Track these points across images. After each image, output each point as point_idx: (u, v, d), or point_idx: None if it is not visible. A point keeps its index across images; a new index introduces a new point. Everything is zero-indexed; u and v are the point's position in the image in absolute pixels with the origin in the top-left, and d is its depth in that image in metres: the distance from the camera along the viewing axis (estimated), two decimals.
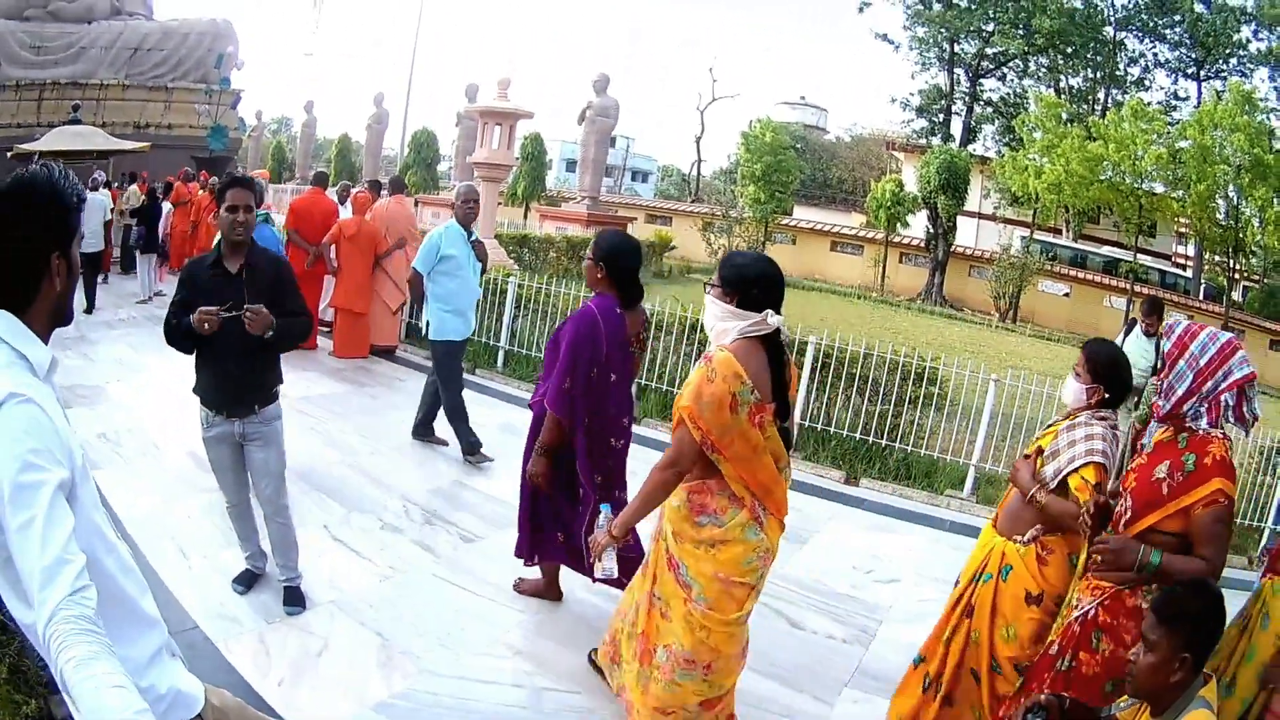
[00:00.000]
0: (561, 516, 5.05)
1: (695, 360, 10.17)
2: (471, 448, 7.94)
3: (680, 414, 3.58)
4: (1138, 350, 7.73)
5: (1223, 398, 3.28)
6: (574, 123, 27.94)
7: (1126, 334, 8.33)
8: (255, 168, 38.63)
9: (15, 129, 29.31)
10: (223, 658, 4.42)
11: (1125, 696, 2.88)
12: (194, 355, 4.68)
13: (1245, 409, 3.32)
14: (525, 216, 35.89)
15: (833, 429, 9.65)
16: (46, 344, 2.06)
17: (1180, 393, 3.32)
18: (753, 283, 3.59)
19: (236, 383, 4.66)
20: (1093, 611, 3.37)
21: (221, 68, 36.42)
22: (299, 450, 6.99)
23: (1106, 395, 3.91)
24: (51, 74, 32.10)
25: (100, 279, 14.65)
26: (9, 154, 21.37)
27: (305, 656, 4.56)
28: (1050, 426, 4.26)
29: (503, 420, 9.37)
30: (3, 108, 30.71)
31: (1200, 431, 3.27)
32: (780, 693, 4.77)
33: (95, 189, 15.17)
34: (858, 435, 9.53)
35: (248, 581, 5.16)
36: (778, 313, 3.60)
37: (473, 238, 7.98)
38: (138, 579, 2.14)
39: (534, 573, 5.47)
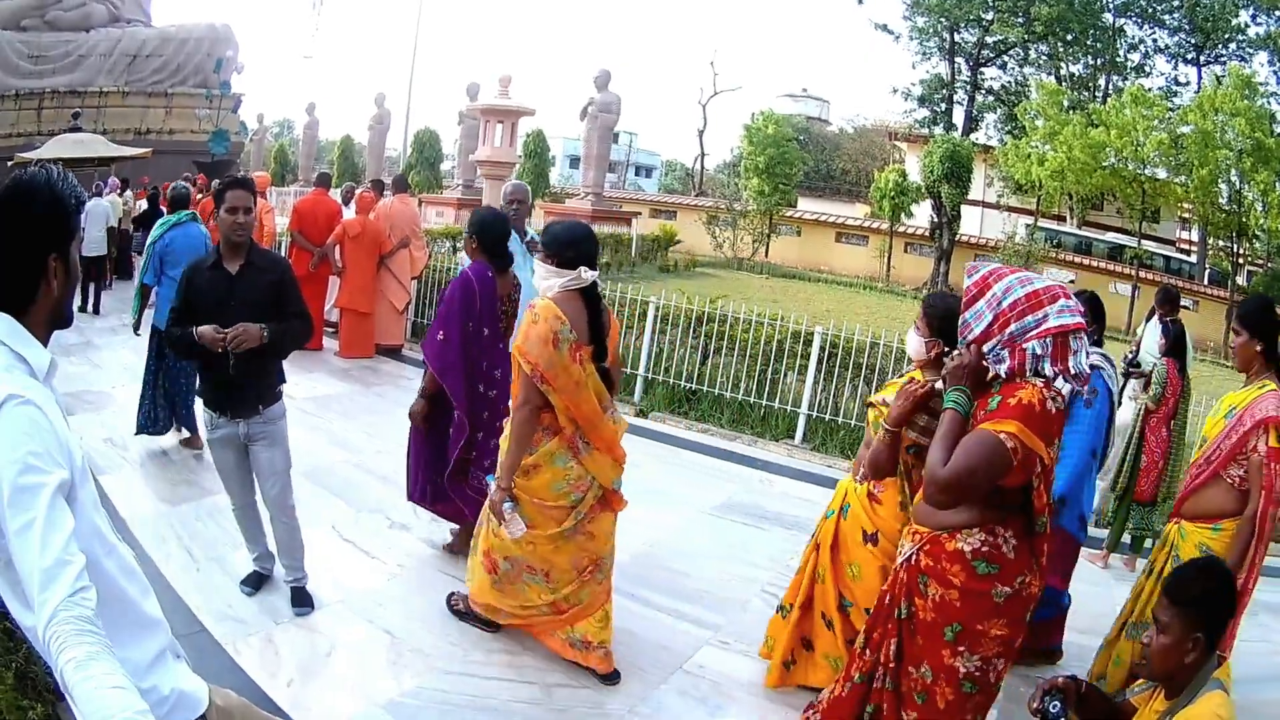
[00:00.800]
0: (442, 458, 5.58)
1: (700, 353, 10.19)
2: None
3: (515, 356, 4.19)
4: (1154, 338, 7.70)
5: (1029, 344, 3.12)
6: (576, 119, 27.96)
7: (1146, 321, 8.30)
8: (258, 171, 38.68)
9: (16, 138, 29.41)
10: (231, 659, 4.40)
11: (1141, 680, 2.85)
12: (200, 362, 4.72)
13: (1070, 362, 3.13)
14: (530, 213, 35.78)
15: (840, 419, 9.62)
16: (46, 346, 2.05)
17: (976, 332, 3.22)
18: (567, 246, 4.25)
19: (239, 384, 4.63)
20: (914, 556, 3.38)
21: (221, 72, 36.49)
22: (306, 450, 6.99)
23: (945, 349, 3.85)
24: (50, 83, 32.17)
25: (105, 284, 14.70)
26: (10, 163, 21.41)
27: (314, 656, 4.55)
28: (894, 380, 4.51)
29: None
30: (2, 117, 30.79)
31: (1017, 380, 3.15)
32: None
33: (100, 194, 15.22)
34: (865, 425, 9.44)
35: (255, 583, 5.14)
36: (591, 269, 4.24)
37: (528, 237, 7.39)
38: (140, 580, 2.13)
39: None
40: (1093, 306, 5.26)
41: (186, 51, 35.95)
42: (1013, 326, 3.14)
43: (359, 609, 5.06)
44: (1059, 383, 3.12)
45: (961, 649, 3.25)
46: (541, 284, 4.31)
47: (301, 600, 5.00)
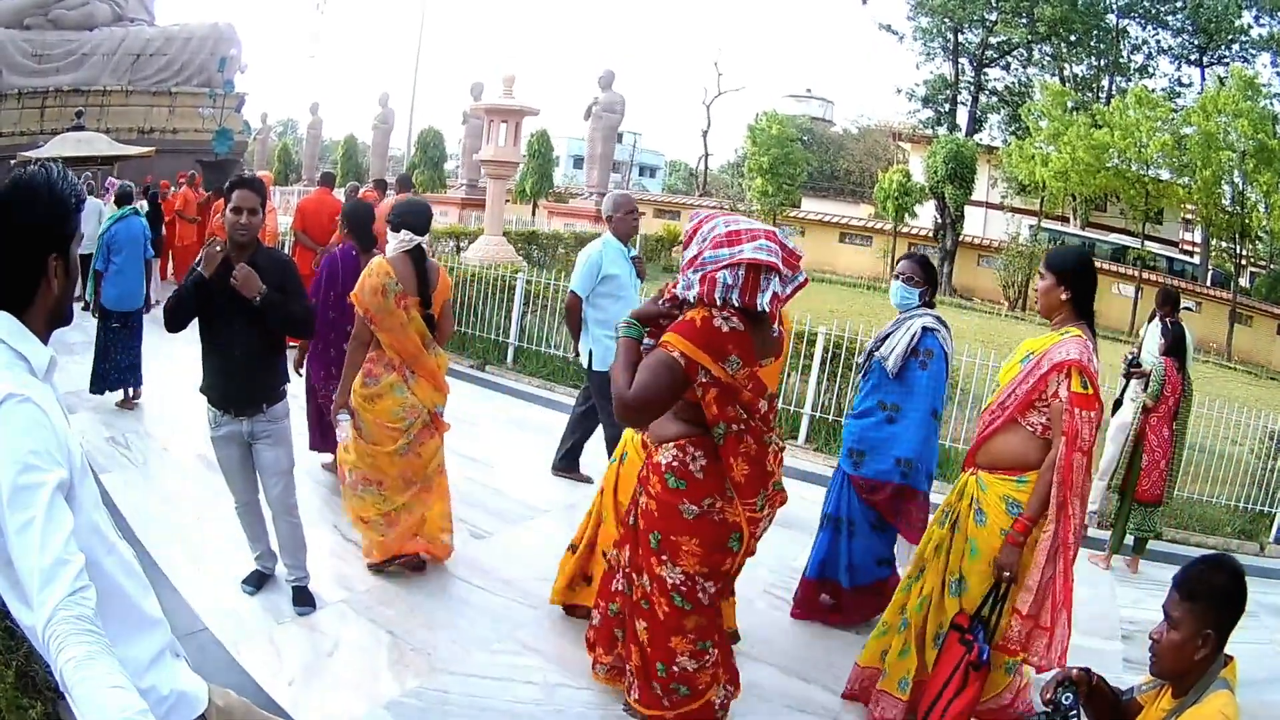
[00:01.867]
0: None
1: None
2: (570, 465, 7.82)
3: (352, 301, 5.31)
4: (1155, 339, 7.68)
5: (719, 274, 3.28)
6: (581, 119, 27.97)
7: (1149, 323, 8.28)
8: (262, 170, 38.68)
9: (18, 137, 29.38)
10: (233, 659, 4.40)
11: (1148, 677, 2.83)
12: (202, 355, 4.70)
13: (758, 297, 3.31)
14: (533, 213, 35.91)
15: (844, 419, 9.56)
16: (46, 344, 2.05)
17: (683, 264, 3.47)
18: (400, 219, 5.32)
19: (243, 379, 4.65)
20: (642, 470, 3.81)
21: (225, 71, 36.42)
22: (309, 449, 7.00)
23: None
24: (53, 81, 32.14)
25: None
26: (12, 162, 21.40)
27: (316, 656, 4.55)
28: None
29: (513, 416, 9.39)
30: (5, 116, 30.74)
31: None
32: (795, 685, 4.73)
33: (99, 193, 15.23)
34: None
35: (257, 582, 5.14)
36: (420, 235, 5.34)
37: (633, 253, 7.18)
38: (139, 579, 2.14)
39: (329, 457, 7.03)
40: (923, 267, 5.41)
41: (190, 50, 35.94)
42: (705, 255, 3.35)
43: (361, 608, 5.06)
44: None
45: (665, 558, 3.60)
46: (388, 248, 5.39)
47: (303, 599, 4.99)
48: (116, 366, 8.49)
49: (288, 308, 4.58)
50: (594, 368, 7.01)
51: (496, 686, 4.40)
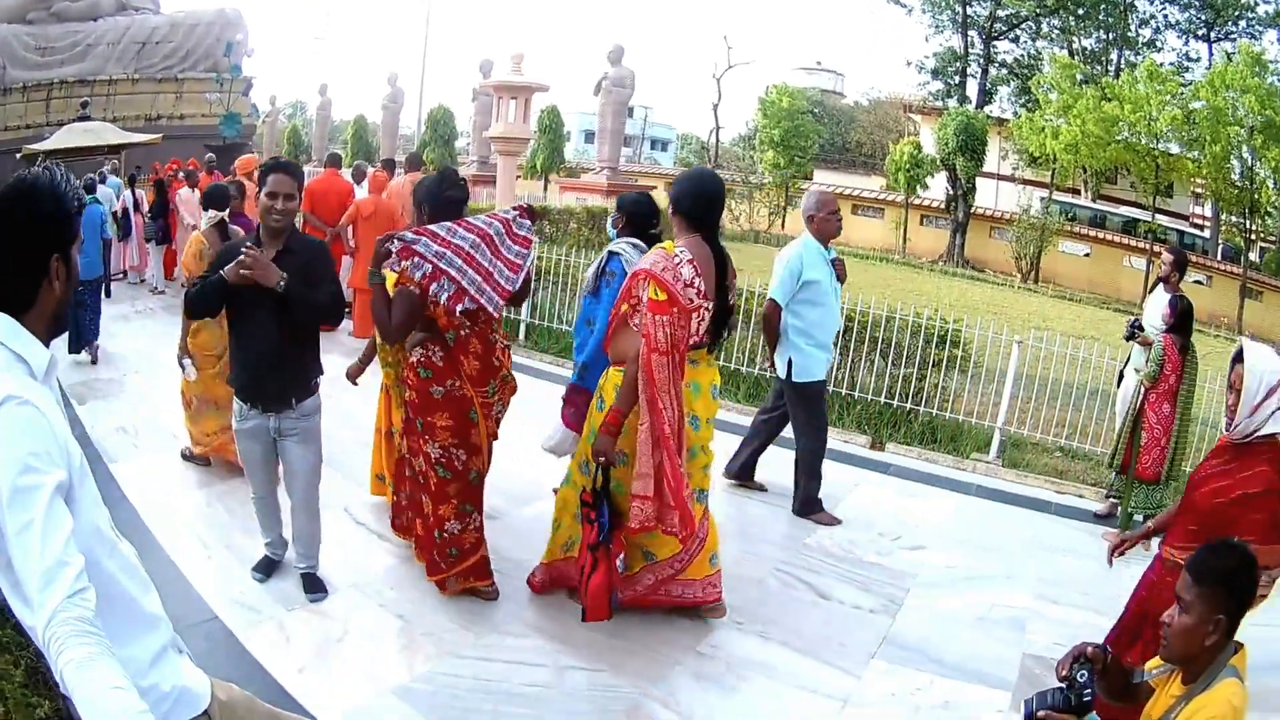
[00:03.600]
0: None
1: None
2: (813, 506, 6.89)
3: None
4: (1158, 308, 7.54)
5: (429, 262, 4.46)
6: (591, 94, 27.90)
7: (1153, 288, 8.17)
8: (271, 153, 38.65)
9: (24, 130, 29.41)
10: (242, 647, 4.40)
11: (1158, 661, 2.80)
12: (230, 346, 4.72)
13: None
14: (545, 189, 35.84)
15: (857, 394, 9.54)
16: (47, 346, 2.04)
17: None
18: (208, 200, 6.84)
19: (271, 373, 4.56)
20: (403, 372, 5.06)
21: (231, 56, 36.38)
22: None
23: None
24: (58, 73, 32.12)
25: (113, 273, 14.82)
26: (18, 155, 21.41)
27: (326, 642, 4.54)
28: None
29: (525, 394, 9.27)
30: (10, 110, 30.75)
31: None
32: (806, 665, 4.71)
33: (103, 181, 15.26)
34: (882, 399, 9.42)
35: (266, 569, 5.11)
36: (220, 211, 6.76)
37: (832, 255, 6.81)
38: (140, 577, 2.12)
39: None
40: (625, 209, 5.80)
41: (196, 36, 35.90)
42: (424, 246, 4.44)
43: (371, 593, 5.05)
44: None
45: (427, 437, 4.74)
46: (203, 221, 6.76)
47: (314, 586, 4.98)
48: (87, 327, 9.79)
49: (312, 296, 4.45)
50: (794, 378, 6.63)
51: (507, 669, 4.39)
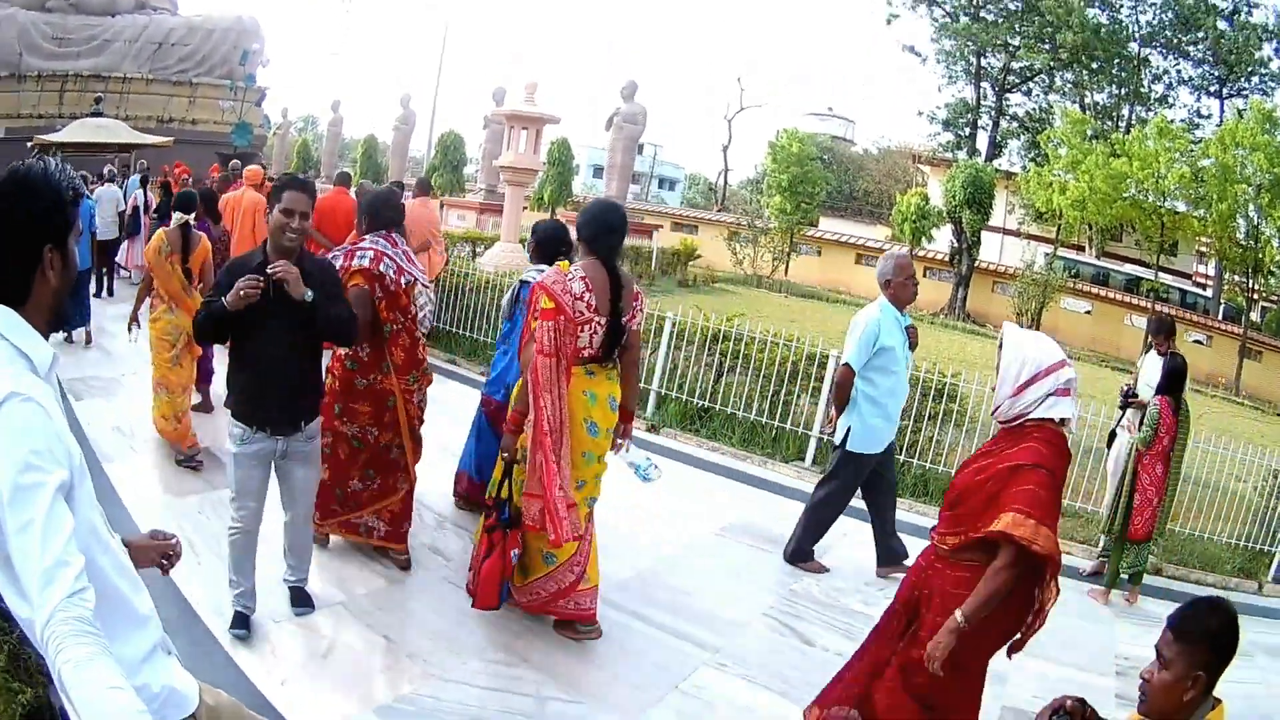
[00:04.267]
0: None
1: (714, 370, 10.13)
2: (804, 555, 6.80)
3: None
4: (1153, 370, 7.57)
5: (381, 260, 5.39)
6: (602, 129, 28.01)
7: (1145, 353, 8.20)
8: (280, 166, 38.75)
9: (36, 120, 29.52)
10: (228, 655, 4.40)
11: (1135, 715, 2.81)
12: (231, 364, 4.45)
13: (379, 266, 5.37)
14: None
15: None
16: (47, 340, 2.04)
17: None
18: (180, 202, 7.61)
19: (283, 396, 4.38)
20: (330, 362, 5.69)
21: (247, 65, 36.59)
22: None
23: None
24: (73, 66, 32.29)
25: (120, 272, 14.87)
26: (29, 144, 21.43)
27: (311, 657, 4.54)
28: None
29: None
30: (25, 98, 30.88)
31: None
32: (787, 709, 4.67)
33: (112, 179, 15.35)
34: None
35: (245, 624, 4.70)
36: (187, 215, 7.47)
37: (908, 322, 6.69)
38: (132, 576, 2.13)
39: None
40: (540, 239, 6.33)
41: (213, 42, 36.13)
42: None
43: (358, 611, 5.05)
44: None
45: (345, 419, 5.46)
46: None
47: (302, 600, 4.96)
48: (76, 311, 10.25)
49: (336, 314, 4.37)
50: (848, 446, 6.52)
51: (489, 696, 4.38)
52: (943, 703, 3.63)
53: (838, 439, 6.59)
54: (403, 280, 5.42)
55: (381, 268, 5.28)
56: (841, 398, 6.50)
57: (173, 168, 18.47)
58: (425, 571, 5.71)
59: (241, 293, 4.02)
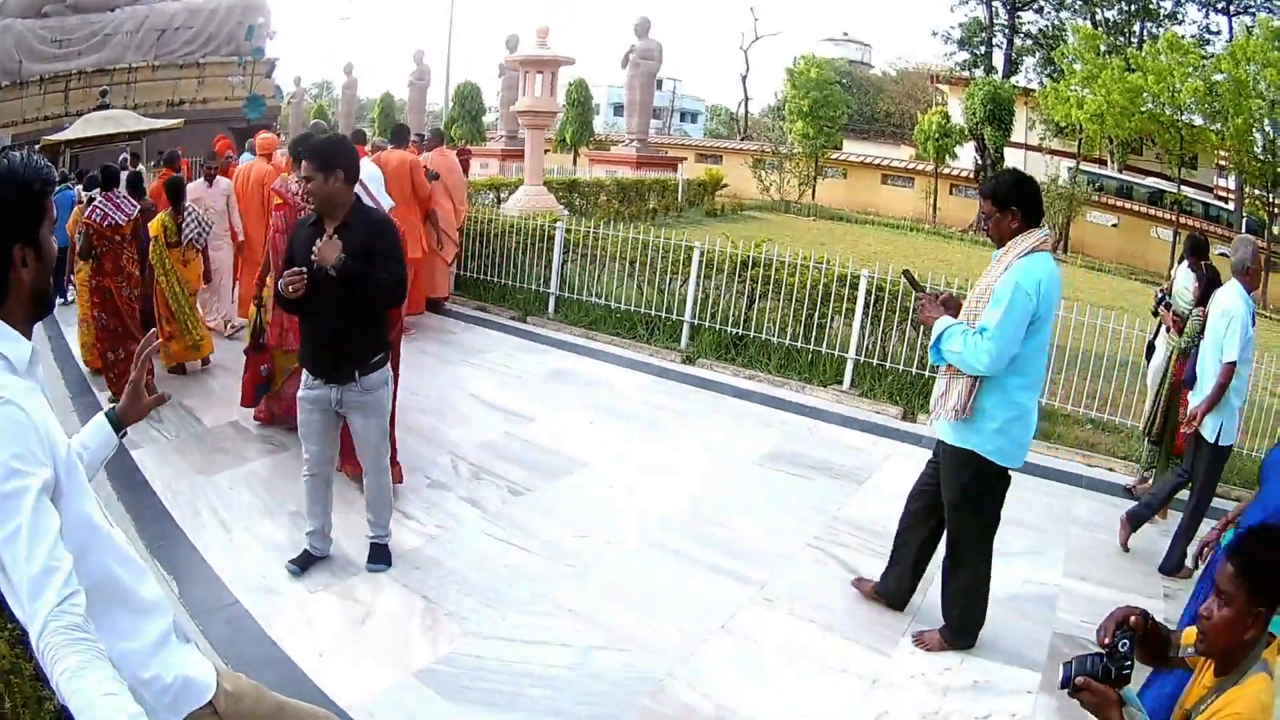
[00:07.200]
0: None
1: (746, 298, 9.99)
2: (1180, 566, 6.07)
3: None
4: (1185, 283, 7.34)
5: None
6: (619, 67, 27.89)
7: (1178, 264, 7.98)
8: (297, 133, 38.65)
9: (43, 122, 29.63)
10: (263, 631, 4.35)
11: (1190, 641, 2.64)
12: (300, 321, 4.77)
13: None
14: (575, 161, 35.74)
15: (889, 364, 9.37)
16: (29, 338, 1.97)
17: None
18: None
19: (331, 348, 4.59)
20: None
21: (253, 39, 36.45)
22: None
23: None
24: (76, 64, 32.32)
25: None
26: (37, 146, 21.43)
27: (348, 625, 4.47)
28: None
29: (555, 367, 9.26)
30: (28, 103, 30.94)
31: None
32: (835, 643, 4.61)
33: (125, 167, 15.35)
34: (914, 370, 9.24)
35: (304, 563, 4.94)
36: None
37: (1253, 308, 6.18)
38: (135, 565, 2.08)
39: None
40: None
41: (217, 21, 35.97)
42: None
43: (395, 573, 4.99)
44: None
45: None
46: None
47: (379, 557, 5.01)
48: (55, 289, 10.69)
49: (374, 280, 4.40)
50: (1221, 442, 6.09)
51: (531, 650, 4.32)
52: None
53: (1210, 436, 6.15)
54: (105, 223, 7.77)
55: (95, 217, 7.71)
56: (1220, 394, 6.03)
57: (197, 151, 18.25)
58: (463, 526, 5.64)
59: (291, 289, 4.27)
